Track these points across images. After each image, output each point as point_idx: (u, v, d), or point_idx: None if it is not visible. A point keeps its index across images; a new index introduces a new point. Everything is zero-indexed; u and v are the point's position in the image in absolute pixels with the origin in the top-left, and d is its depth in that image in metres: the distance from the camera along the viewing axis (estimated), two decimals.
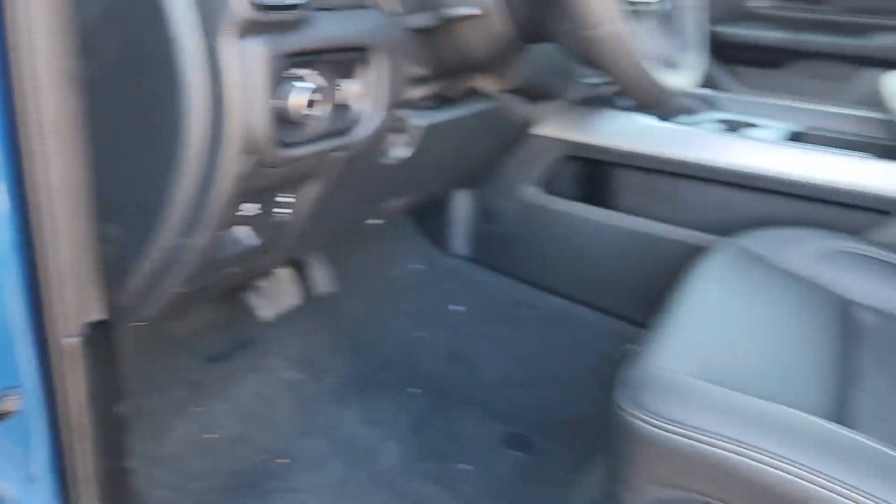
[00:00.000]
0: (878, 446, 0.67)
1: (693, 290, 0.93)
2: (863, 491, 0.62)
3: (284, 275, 1.30)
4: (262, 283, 1.27)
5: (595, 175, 1.36)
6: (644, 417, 0.71)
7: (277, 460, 1.19)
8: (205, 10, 0.67)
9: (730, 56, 2.13)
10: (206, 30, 0.67)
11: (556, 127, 1.34)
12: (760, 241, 1.07)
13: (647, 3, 0.90)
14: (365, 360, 1.42)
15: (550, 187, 1.38)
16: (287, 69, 0.72)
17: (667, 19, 1.00)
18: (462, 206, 1.43)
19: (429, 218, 1.49)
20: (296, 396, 1.31)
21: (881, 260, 1.04)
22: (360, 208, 1.05)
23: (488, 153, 1.30)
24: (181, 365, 1.26)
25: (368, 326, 1.45)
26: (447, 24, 0.89)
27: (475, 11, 0.87)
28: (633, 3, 0.88)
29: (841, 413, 0.77)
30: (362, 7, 0.82)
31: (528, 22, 0.91)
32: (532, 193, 1.37)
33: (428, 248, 1.49)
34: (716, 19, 2.28)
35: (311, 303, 1.37)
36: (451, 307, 1.45)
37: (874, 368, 0.86)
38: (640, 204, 1.31)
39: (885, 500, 0.62)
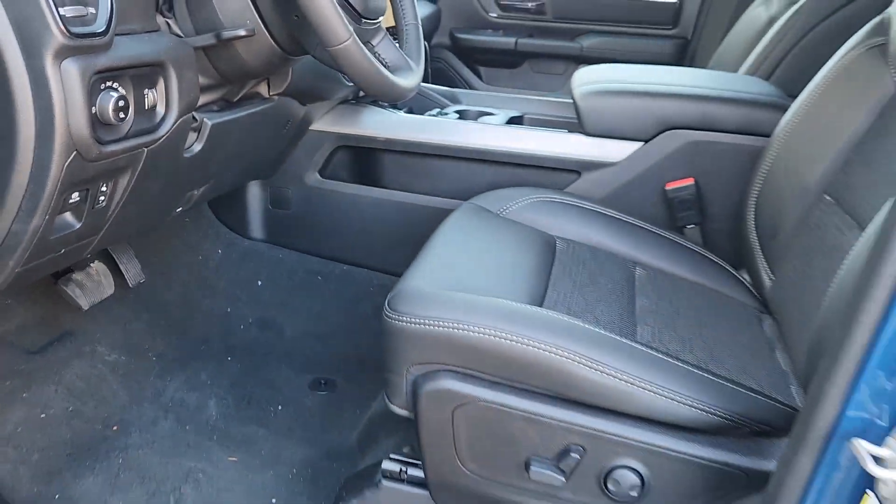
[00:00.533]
0: (564, 317, 1.01)
1: (439, 239, 1.24)
2: (550, 343, 0.94)
3: (99, 267, 1.46)
4: (79, 277, 1.41)
5: (365, 160, 1.65)
6: (401, 318, 0.99)
7: (112, 428, 1.35)
8: (29, 38, 0.86)
9: (476, 58, 2.54)
10: (31, 54, 0.86)
11: (330, 122, 1.61)
12: (490, 200, 1.42)
13: (375, 22, 1.19)
14: (183, 338, 1.60)
15: (329, 173, 1.65)
16: (100, 83, 0.92)
17: (392, 34, 1.31)
18: (256, 194, 1.67)
19: (227, 207, 1.71)
20: (121, 375, 1.47)
21: (573, 206, 1.42)
22: (167, 197, 1.25)
23: (273, 147, 1.54)
24: (6, 359, 1.38)
25: (183, 308, 1.64)
26: (225, 43, 1.12)
27: (244, 33, 1.12)
28: (365, 22, 1.17)
29: (542, 302, 1.11)
30: (156, 31, 1.04)
31: (288, 39, 1.17)
32: (314, 179, 1.63)
33: (228, 234, 1.71)
34: (463, 28, 2.71)
35: (126, 292, 1.53)
36: (256, 283, 1.68)
37: (561, 275, 1.22)
38: (402, 181, 1.62)
39: (568, 349, 0.94)
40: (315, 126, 1.61)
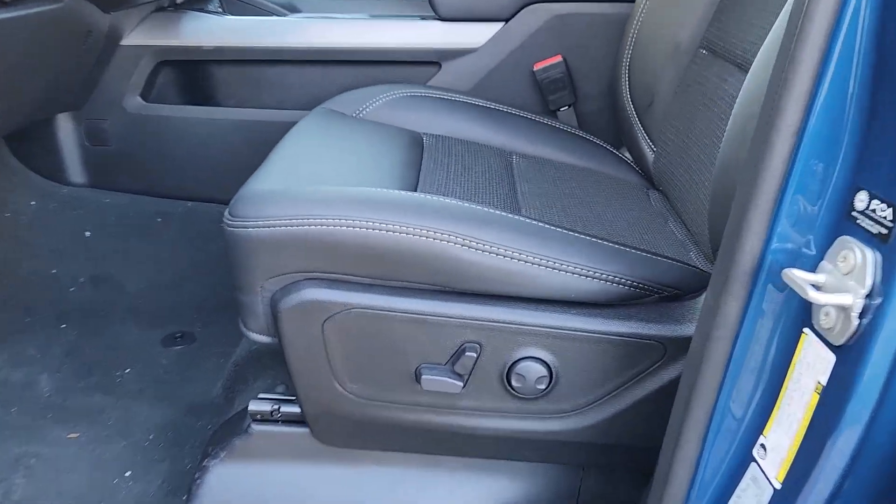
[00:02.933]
0: (439, 198, 0.85)
1: (286, 144, 1.06)
2: (426, 226, 0.79)
3: None
4: None
5: (194, 76, 1.42)
6: (245, 223, 0.81)
7: None
8: None
9: None
10: None
11: (145, 34, 1.37)
12: (343, 102, 1.24)
13: None
14: (3, 310, 1.34)
15: (154, 96, 1.42)
16: None
17: None
18: (67, 130, 1.41)
19: (34, 150, 1.44)
20: None
21: (438, 98, 1.27)
22: None
23: (75, 67, 1.29)
24: None
25: (0, 275, 1.38)
26: None
27: None
28: None
29: (414, 190, 0.96)
30: None
31: None
32: (135, 105, 1.39)
33: (41, 182, 1.45)
34: None
35: None
36: (84, 235, 1.43)
37: (430, 166, 1.07)
38: (240, 96, 1.41)
39: (448, 231, 0.79)
40: (127, 40, 1.36)
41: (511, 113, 1.27)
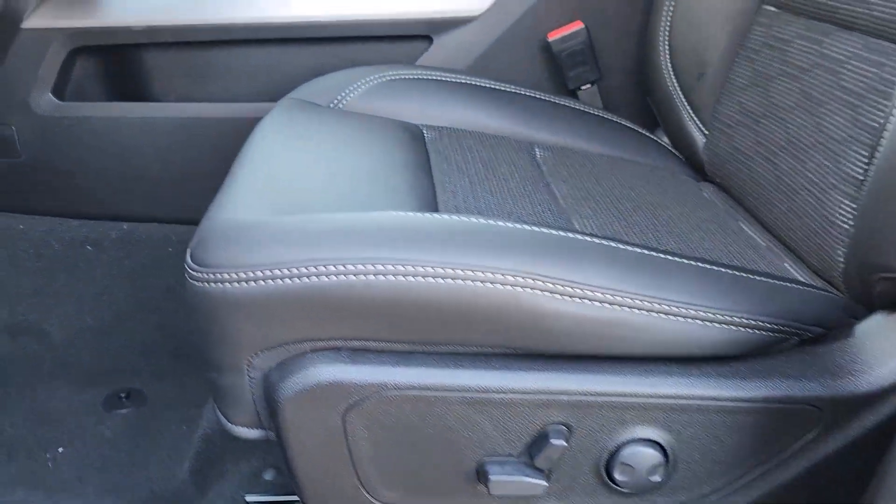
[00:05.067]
0: (494, 223, 0.61)
1: (252, 150, 0.80)
2: (486, 266, 0.55)
3: None
4: None
5: (122, 66, 1.13)
6: (216, 275, 0.56)
7: None
8: None
9: None
10: None
11: (53, 14, 1.07)
12: (316, 90, 0.98)
13: None
14: None
15: (71, 93, 1.12)
16: None
17: None
18: None
19: None
20: None
21: (433, 80, 1.02)
22: None
23: None
24: None
25: None
26: None
27: None
28: None
29: (436, 208, 0.71)
30: None
31: None
32: (47, 104, 1.10)
33: None
34: None
35: None
36: None
37: (447, 171, 0.82)
38: (183, 88, 1.13)
39: (518, 271, 0.55)
40: (29, 22, 1.06)
41: (524, 94, 1.03)
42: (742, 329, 0.58)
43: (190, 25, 1.08)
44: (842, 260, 0.67)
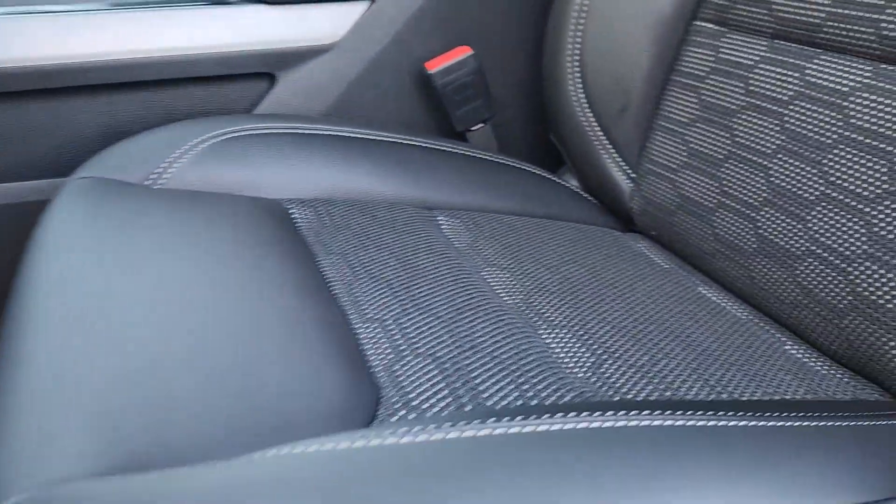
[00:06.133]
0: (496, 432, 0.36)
1: (35, 285, 0.50)
2: None
3: None
4: None
5: None
6: None
7: None
8: None
9: None
10: None
11: None
12: (120, 161, 0.69)
13: None
14: None
15: None
16: None
17: None
18: None
19: None
20: None
21: (284, 135, 0.75)
22: None
23: None
24: None
25: None
26: None
27: None
28: None
29: (360, 367, 0.46)
30: None
31: None
32: None
33: None
34: None
35: None
36: None
37: (348, 279, 0.57)
38: None
39: None
40: None
41: (406, 143, 0.80)
42: None
43: None
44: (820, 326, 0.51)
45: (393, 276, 0.57)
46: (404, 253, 0.61)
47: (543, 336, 0.54)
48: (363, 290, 0.55)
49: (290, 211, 0.67)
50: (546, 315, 0.57)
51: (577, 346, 0.53)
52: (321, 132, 0.76)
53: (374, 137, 0.78)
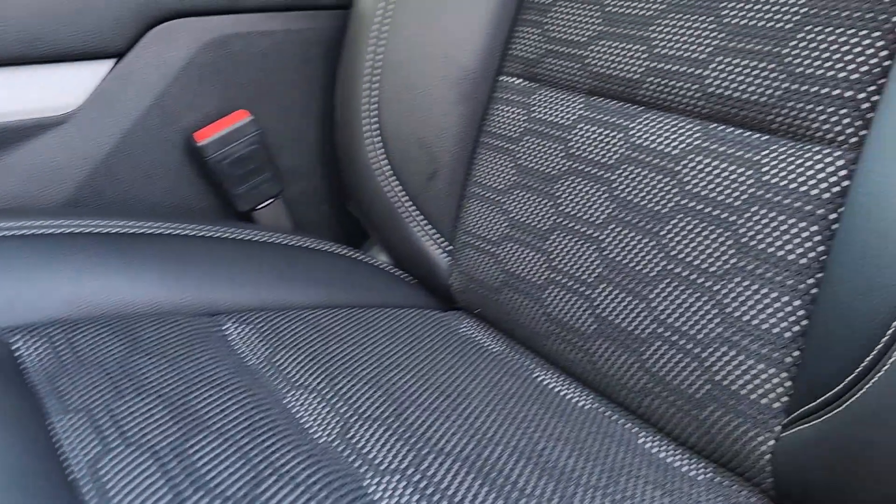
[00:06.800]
0: None
1: None
2: None
3: None
4: None
5: None
6: None
7: None
8: None
9: None
10: None
11: None
12: None
13: None
14: None
15: None
16: None
17: None
18: None
19: None
20: None
21: (10, 236, 0.58)
22: None
23: None
24: None
25: None
26: None
27: None
28: None
29: None
30: None
31: None
32: None
33: None
34: None
35: None
36: None
37: (92, 449, 0.41)
38: None
39: None
40: None
41: (179, 233, 0.65)
42: None
43: None
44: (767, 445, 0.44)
45: (161, 438, 0.42)
46: (174, 393, 0.47)
47: (370, 489, 0.42)
48: (115, 468, 0.39)
49: (14, 346, 0.50)
50: (370, 457, 0.45)
51: (415, 498, 0.42)
52: (59, 230, 0.59)
53: (132, 231, 0.62)
